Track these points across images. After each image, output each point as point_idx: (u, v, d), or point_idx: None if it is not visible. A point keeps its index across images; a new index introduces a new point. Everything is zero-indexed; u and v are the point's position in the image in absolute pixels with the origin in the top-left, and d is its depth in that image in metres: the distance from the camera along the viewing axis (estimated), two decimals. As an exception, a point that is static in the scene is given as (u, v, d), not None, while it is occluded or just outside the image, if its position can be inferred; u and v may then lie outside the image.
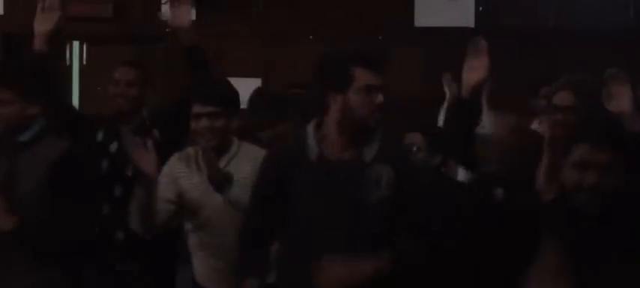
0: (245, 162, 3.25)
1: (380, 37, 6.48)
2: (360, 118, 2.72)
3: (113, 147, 3.81)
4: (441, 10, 6.46)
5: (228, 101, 3.28)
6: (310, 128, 2.81)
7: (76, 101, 7.02)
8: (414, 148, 3.87)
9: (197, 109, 3.23)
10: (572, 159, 2.42)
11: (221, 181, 3.15)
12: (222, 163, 3.23)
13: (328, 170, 2.73)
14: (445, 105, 4.86)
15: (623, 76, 3.11)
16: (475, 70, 3.08)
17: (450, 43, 6.54)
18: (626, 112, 3.00)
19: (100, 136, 3.91)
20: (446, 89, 5.17)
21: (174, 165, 3.33)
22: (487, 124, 4.69)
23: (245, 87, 6.82)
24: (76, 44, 7.09)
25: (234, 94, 3.36)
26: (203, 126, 3.21)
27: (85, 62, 7.07)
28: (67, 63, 7.06)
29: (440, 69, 6.23)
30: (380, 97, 2.73)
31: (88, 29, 6.75)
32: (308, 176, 2.73)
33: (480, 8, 6.49)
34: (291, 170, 2.76)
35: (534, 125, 4.66)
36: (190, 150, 3.35)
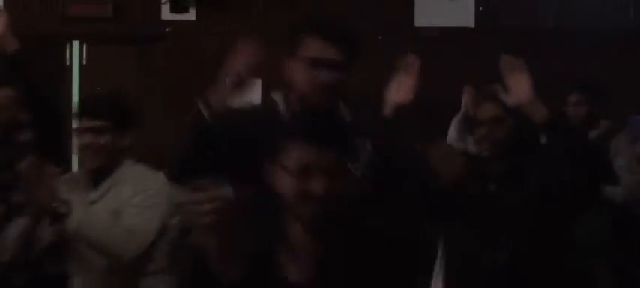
0: (128, 186, 2.87)
1: (380, 37, 6.48)
2: (301, 94, 2.40)
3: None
4: (441, 10, 6.46)
5: (118, 115, 2.89)
6: (278, 97, 2.58)
7: (76, 101, 7.03)
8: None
9: (83, 123, 2.87)
10: (287, 164, 1.92)
11: (49, 211, 2.67)
12: (104, 188, 2.87)
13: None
14: (459, 116, 4.76)
15: (518, 63, 2.81)
16: (403, 90, 2.75)
17: (450, 43, 6.55)
18: (526, 103, 2.75)
19: None
20: (463, 100, 5.02)
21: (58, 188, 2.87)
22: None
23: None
24: (76, 44, 7.09)
25: (127, 107, 2.98)
26: (86, 143, 2.84)
27: (85, 62, 7.06)
28: (67, 63, 7.06)
29: (440, 69, 6.23)
30: (329, 75, 2.35)
31: (88, 29, 6.75)
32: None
33: (480, 8, 6.49)
34: (264, 137, 2.25)
35: None
36: (78, 173, 3.03)
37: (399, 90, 2.73)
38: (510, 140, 2.91)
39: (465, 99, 4.86)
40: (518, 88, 2.75)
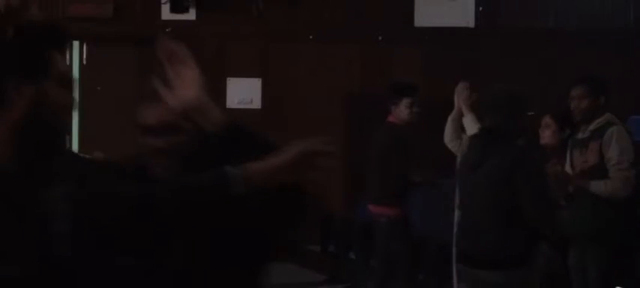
0: None
1: (380, 37, 6.48)
2: (55, 120, 1.74)
3: None
4: (441, 10, 6.46)
5: None
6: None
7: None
8: None
9: None
10: None
11: None
12: None
13: None
14: (453, 114, 4.64)
15: (180, 50, 1.99)
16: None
17: (450, 43, 6.56)
18: (194, 106, 1.91)
19: None
20: (455, 98, 4.75)
21: None
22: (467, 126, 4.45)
23: (245, 86, 6.86)
24: (76, 44, 7.10)
25: None
26: None
27: (85, 62, 7.07)
28: (67, 63, 7.07)
29: (440, 69, 6.23)
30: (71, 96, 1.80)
31: (88, 29, 6.75)
32: None
33: (480, 8, 6.49)
34: None
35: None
36: None
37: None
38: (192, 148, 1.93)
39: (457, 96, 4.67)
40: (183, 85, 1.93)
